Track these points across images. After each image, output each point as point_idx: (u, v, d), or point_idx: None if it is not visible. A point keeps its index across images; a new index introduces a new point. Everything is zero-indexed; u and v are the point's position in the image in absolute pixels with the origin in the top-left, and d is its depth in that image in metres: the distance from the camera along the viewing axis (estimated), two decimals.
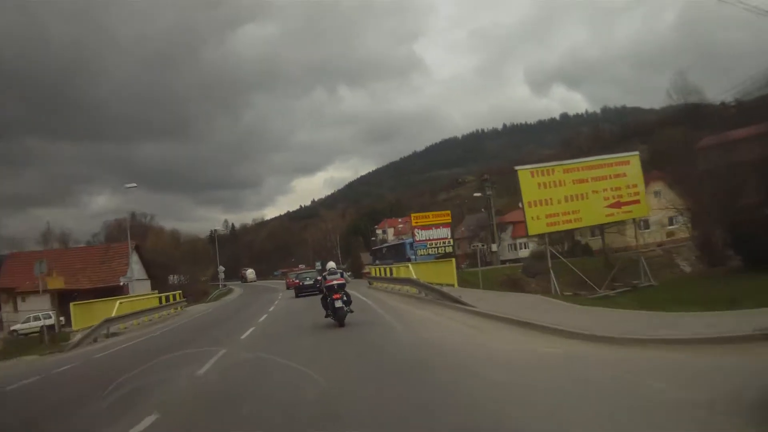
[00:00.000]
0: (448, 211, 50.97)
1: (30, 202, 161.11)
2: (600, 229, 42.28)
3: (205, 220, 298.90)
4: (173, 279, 78.46)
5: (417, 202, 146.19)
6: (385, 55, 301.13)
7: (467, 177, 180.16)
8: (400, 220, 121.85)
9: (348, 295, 17.12)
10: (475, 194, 52.65)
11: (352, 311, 17.12)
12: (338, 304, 16.41)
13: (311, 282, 32.75)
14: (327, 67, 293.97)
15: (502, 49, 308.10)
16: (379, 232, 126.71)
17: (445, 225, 46.92)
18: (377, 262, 56.80)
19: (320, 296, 18.13)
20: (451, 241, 46.33)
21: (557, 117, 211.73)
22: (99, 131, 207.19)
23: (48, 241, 65.69)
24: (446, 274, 25.28)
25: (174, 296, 40.46)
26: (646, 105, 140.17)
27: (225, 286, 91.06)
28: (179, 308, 39.19)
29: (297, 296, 37.73)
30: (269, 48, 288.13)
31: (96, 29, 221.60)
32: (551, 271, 26.94)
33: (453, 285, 23.94)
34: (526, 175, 26.86)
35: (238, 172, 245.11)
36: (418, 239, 45.74)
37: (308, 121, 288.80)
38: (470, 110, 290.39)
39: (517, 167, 27.76)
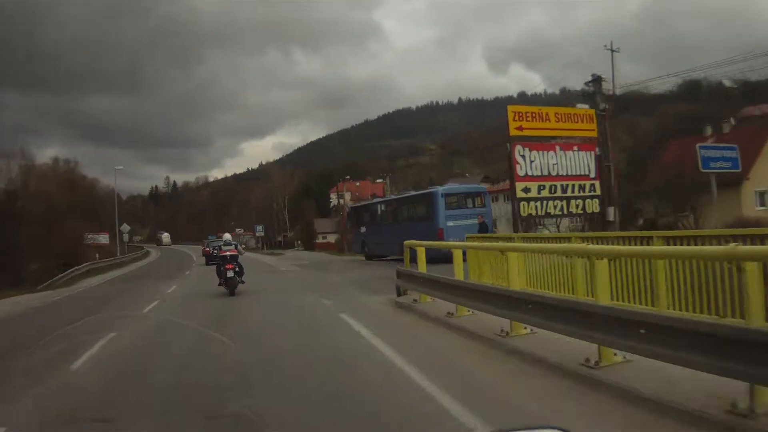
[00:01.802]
0: (592, 111, 21.56)
1: None
2: None
3: (152, 178, 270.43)
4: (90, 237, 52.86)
5: (374, 166, 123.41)
6: (343, 18, 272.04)
7: (428, 145, 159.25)
8: (358, 183, 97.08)
9: (241, 266, 16.60)
10: (579, 105, 25.42)
11: (243, 282, 16.65)
12: (230, 274, 16.13)
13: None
14: (281, 28, 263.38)
15: (462, 22, 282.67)
16: (333, 196, 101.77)
17: (585, 145, 20.49)
18: (363, 230, 31.65)
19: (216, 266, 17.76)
20: (597, 183, 20.56)
21: (515, 95, 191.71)
22: (48, 81, 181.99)
23: None
24: None
25: None
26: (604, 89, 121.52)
27: (142, 248, 65.83)
28: None
29: (207, 264, 35.01)
30: (226, 3, 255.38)
31: None
32: None
33: None
34: None
35: (188, 130, 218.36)
36: (522, 176, 18.88)
37: (260, 82, 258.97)
38: (426, 82, 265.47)
39: None
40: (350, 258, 35.90)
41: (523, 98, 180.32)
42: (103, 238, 61.29)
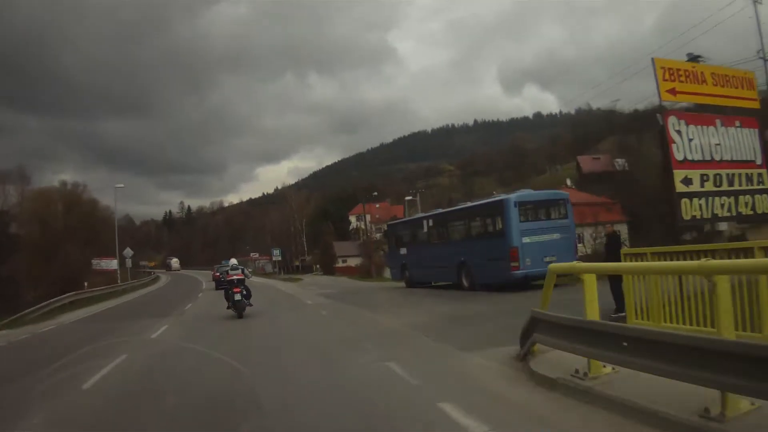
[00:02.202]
0: (752, 74, 14.73)
1: None
2: None
3: (167, 204, 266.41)
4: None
5: (392, 189, 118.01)
6: (357, 42, 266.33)
7: (446, 166, 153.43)
8: (378, 205, 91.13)
9: (248, 289, 16.68)
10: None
11: (251, 304, 16.70)
12: (237, 297, 16.16)
13: None
14: (296, 52, 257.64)
15: (476, 44, 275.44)
16: (352, 218, 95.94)
17: (746, 119, 13.71)
18: (404, 251, 25.67)
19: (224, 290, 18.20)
20: (765, 172, 13.71)
21: (530, 116, 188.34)
22: (62, 105, 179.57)
23: None
24: None
25: None
26: (621, 108, 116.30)
27: (149, 273, 60.38)
28: None
29: (216, 289, 33.15)
30: (240, 28, 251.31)
31: None
32: None
33: None
34: None
35: (202, 156, 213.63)
36: (680, 160, 12.20)
37: (274, 107, 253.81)
38: (440, 105, 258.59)
39: None
40: (383, 284, 30.07)
41: (538, 119, 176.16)
42: (107, 264, 55.99)
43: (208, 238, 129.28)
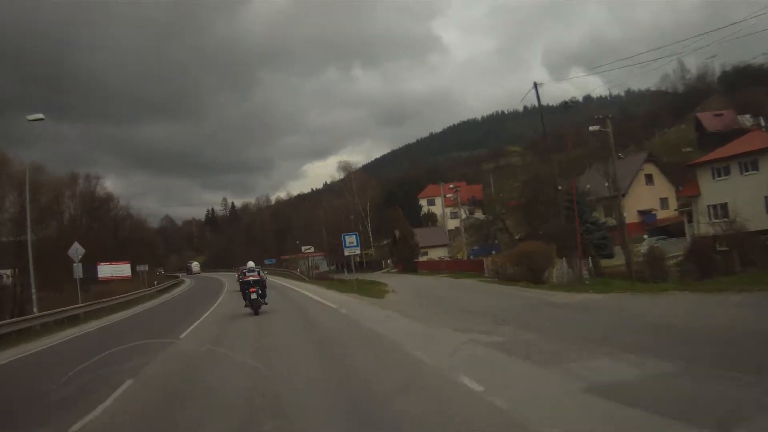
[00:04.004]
0: None
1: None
2: None
3: (213, 205, 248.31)
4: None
5: (458, 172, 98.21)
6: (400, 33, 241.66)
7: (511, 148, 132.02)
8: (452, 185, 70.02)
9: (263, 289, 18.00)
10: None
11: (266, 303, 18.13)
12: (253, 296, 17.46)
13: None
14: (339, 45, 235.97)
15: (520, 29, 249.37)
16: (423, 202, 75.32)
17: None
18: None
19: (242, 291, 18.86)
20: None
21: (580, 99, 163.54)
22: (101, 110, 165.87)
23: None
24: None
25: None
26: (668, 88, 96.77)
27: (158, 282, 40.97)
28: None
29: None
30: (277, 23, 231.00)
31: None
32: None
33: None
34: None
35: (248, 155, 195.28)
36: None
37: (319, 102, 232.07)
38: (487, 93, 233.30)
39: None
40: None
41: (588, 102, 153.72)
42: (120, 270, 40.34)
43: (254, 235, 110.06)
